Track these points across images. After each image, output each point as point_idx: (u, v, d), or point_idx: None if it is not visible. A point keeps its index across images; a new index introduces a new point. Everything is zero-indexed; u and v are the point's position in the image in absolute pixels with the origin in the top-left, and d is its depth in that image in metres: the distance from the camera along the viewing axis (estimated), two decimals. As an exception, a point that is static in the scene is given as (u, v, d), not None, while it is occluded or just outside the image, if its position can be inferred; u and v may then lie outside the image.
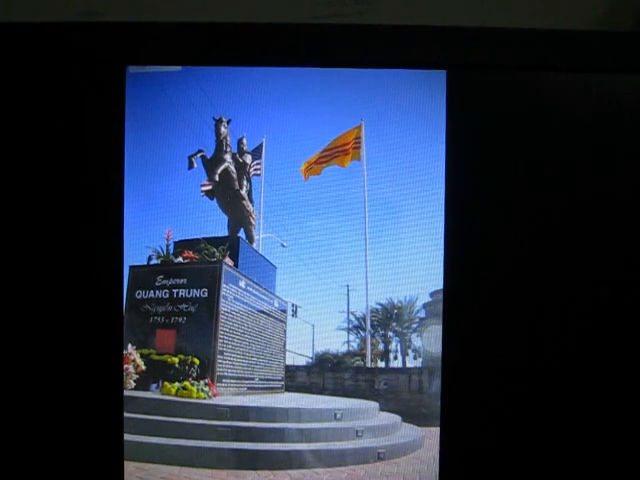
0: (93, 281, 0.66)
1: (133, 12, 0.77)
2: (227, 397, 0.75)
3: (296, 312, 0.73)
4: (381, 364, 0.75)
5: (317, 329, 0.72)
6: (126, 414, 0.68)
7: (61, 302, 0.66)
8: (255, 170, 0.76)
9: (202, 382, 0.73)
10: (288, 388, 0.75)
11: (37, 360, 0.66)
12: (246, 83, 0.69)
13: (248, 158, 0.75)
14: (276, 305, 0.76)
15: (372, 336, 0.75)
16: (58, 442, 0.66)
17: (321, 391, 0.74)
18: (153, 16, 0.70)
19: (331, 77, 0.70)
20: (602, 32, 0.68)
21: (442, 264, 0.68)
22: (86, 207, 0.66)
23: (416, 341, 0.72)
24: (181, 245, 0.73)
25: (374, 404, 0.72)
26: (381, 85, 0.69)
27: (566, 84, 0.68)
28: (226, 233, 0.77)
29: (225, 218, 0.77)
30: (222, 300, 0.75)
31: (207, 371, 0.73)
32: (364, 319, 0.74)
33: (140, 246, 0.70)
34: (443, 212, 0.68)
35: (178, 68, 0.69)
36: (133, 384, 0.70)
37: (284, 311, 0.75)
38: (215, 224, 0.74)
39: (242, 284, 0.78)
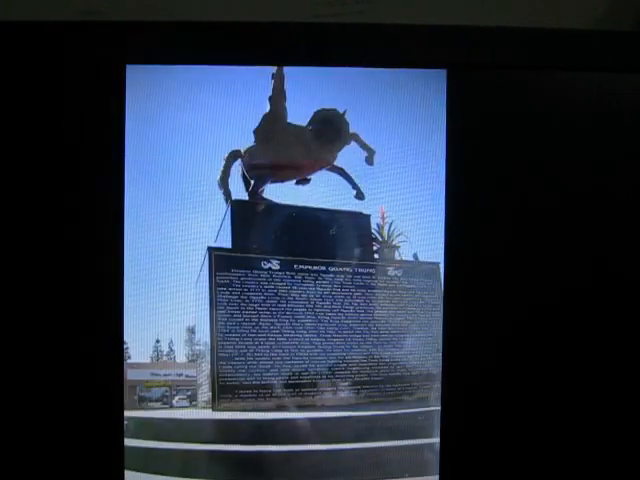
0: (93, 281, 0.66)
1: (133, 12, 0.76)
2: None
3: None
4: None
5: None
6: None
7: (61, 302, 0.66)
8: None
9: None
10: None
11: (37, 360, 0.66)
12: (246, 82, 0.69)
13: None
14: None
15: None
16: (59, 444, 0.66)
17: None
18: (153, 16, 0.70)
19: (331, 77, 0.70)
20: (602, 32, 0.68)
21: (442, 263, 0.68)
22: (86, 207, 0.66)
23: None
24: None
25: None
26: (381, 85, 0.69)
27: (566, 84, 0.68)
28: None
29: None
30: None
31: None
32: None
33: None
34: (443, 211, 0.68)
35: (178, 68, 0.68)
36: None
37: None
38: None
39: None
